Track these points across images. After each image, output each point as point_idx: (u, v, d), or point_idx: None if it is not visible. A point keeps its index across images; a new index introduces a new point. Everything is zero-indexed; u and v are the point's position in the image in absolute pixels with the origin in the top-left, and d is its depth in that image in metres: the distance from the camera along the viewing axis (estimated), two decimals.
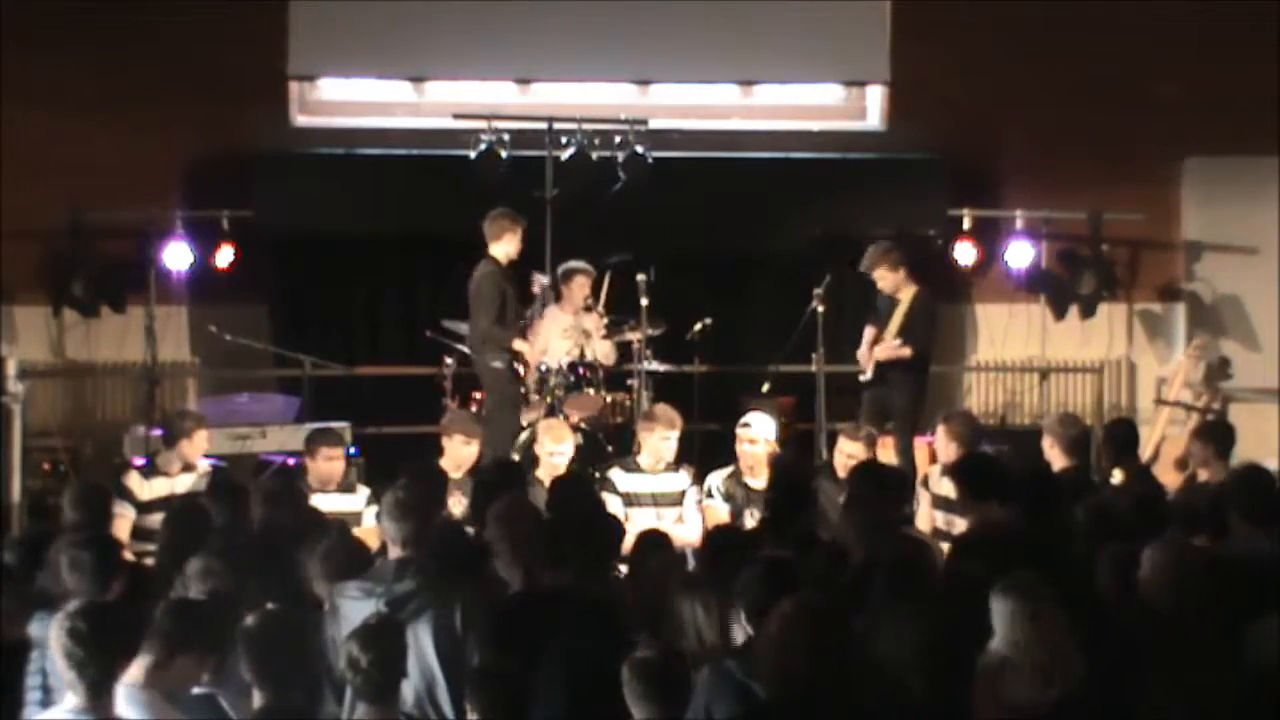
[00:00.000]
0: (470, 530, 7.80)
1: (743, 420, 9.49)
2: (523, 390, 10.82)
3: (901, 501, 7.99)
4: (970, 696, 5.48)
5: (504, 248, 10.84)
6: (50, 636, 4.75)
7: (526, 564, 6.44)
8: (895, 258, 10.90)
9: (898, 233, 12.47)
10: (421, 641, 5.71)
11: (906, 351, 10.71)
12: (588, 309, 11.41)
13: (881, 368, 10.76)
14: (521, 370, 10.80)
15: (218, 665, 5.28)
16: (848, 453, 9.24)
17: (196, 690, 5.26)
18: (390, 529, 6.11)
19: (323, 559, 6.20)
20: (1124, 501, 7.66)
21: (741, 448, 9.39)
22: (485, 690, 5.10)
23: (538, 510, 7.26)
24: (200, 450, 9.39)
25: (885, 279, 10.91)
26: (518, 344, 10.78)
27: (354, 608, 5.74)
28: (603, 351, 11.35)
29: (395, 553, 6.08)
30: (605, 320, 11.47)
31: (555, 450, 9.39)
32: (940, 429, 9.31)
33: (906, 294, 10.87)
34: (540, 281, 11.22)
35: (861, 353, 10.91)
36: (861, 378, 10.92)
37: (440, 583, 6.02)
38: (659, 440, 9.38)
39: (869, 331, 10.96)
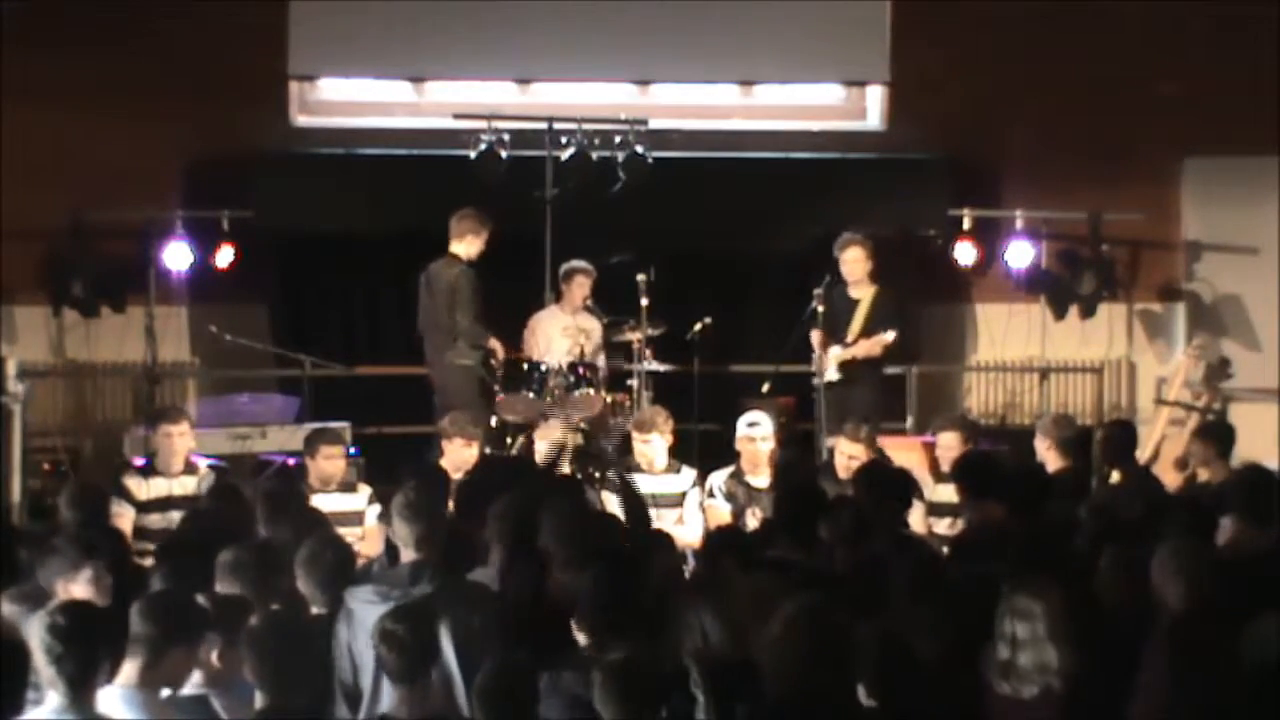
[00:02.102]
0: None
1: (750, 419, 9.47)
2: (495, 387, 10.80)
3: (904, 502, 7.97)
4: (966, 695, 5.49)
5: (465, 248, 10.89)
6: (30, 634, 4.75)
7: (525, 563, 6.43)
8: (872, 247, 10.95)
9: (898, 233, 12.51)
10: (441, 644, 5.70)
11: (879, 351, 10.77)
12: (587, 309, 11.42)
13: (845, 367, 10.82)
14: (494, 367, 10.79)
15: (226, 658, 5.26)
16: (849, 454, 9.24)
17: (188, 692, 5.26)
18: (401, 530, 6.08)
19: (306, 564, 6.18)
20: (1125, 501, 7.67)
21: (752, 446, 9.36)
22: (494, 692, 5.10)
23: (537, 510, 7.23)
24: (187, 443, 9.36)
25: (858, 265, 10.95)
26: (494, 344, 10.79)
27: (370, 612, 5.70)
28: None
29: (407, 555, 6.05)
30: (605, 321, 11.47)
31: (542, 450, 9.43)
32: (947, 434, 9.37)
33: (867, 294, 10.96)
34: None
35: (820, 358, 10.95)
36: (817, 380, 10.97)
37: (458, 585, 6.01)
38: (639, 443, 9.42)
39: (818, 335, 11.00)
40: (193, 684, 5.29)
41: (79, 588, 5.90)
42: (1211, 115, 13.06)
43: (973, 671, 5.60)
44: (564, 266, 11.39)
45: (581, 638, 5.62)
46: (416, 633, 5.16)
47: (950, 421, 9.93)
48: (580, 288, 11.33)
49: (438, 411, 10.80)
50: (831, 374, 10.92)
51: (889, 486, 7.81)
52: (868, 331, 10.91)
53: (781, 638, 5.03)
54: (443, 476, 8.54)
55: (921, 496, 8.82)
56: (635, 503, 8.72)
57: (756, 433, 9.40)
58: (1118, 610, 6.05)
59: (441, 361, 10.90)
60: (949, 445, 9.40)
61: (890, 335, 10.79)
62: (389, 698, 5.22)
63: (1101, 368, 13.47)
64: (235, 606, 5.55)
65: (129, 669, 5.02)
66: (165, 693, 5.18)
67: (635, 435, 9.50)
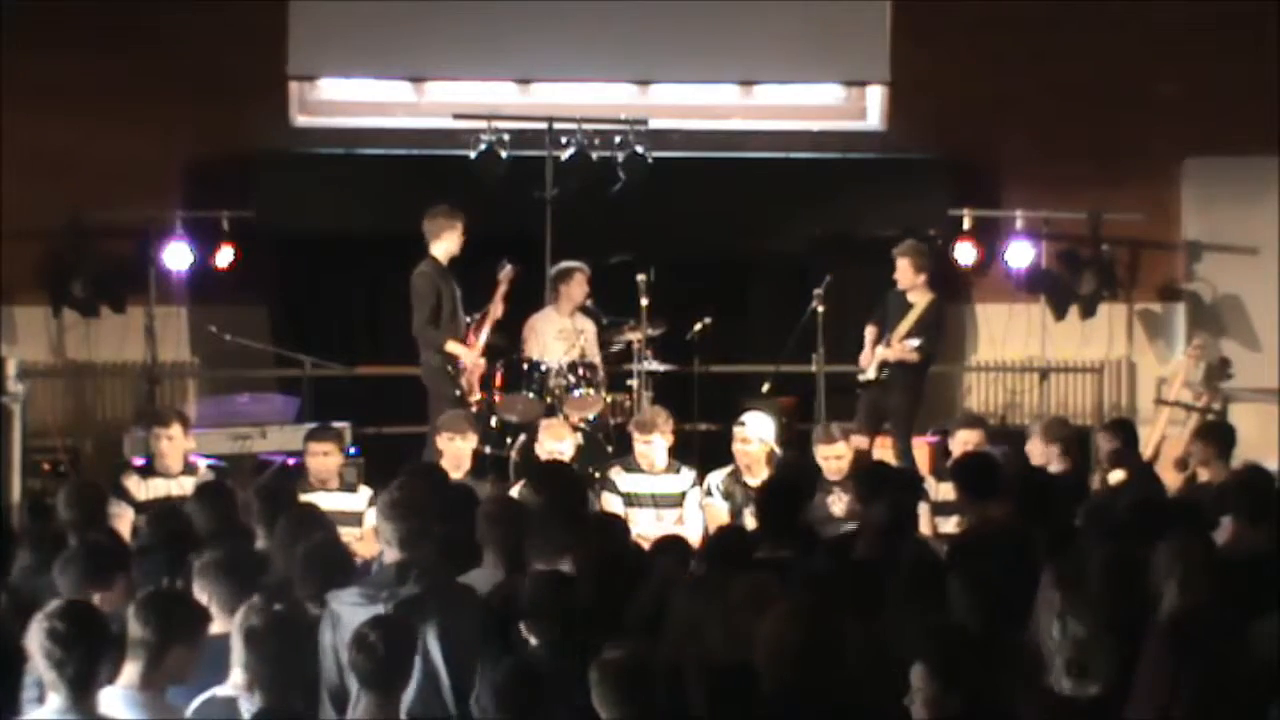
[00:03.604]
0: None
1: (739, 420, 9.51)
2: (458, 392, 10.78)
3: (915, 502, 7.98)
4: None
5: (444, 246, 10.85)
6: (29, 637, 4.74)
7: (515, 563, 6.43)
8: (922, 261, 10.88)
9: (898, 233, 12.48)
10: (428, 645, 5.69)
11: (915, 356, 10.70)
12: (585, 310, 11.41)
13: (883, 368, 10.76)
14: (454, 371, 10.78)
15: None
16: (828, 455, 9.27)
17: (222, 692, 5.27)
18: (385, 530, 6.06)
19: (304, 564, 6.17)
20: (1123, 502, 7.67)
21: (737, 447, 9.42)
22: (512, 688, 5.09)
23: (526, 508, 7.23)
24: (180, 445, 9.35)
25: (905, 274, 10.87)
26: (451, 346, 10.75)
27: (355, 615, 5.68)
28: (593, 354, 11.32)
29: (392, 555, 6.03)
30: (604, 322, 11.47)
31: (556, 449, 9.42)
32: (969, 432, 9.40)
33: (921, 299, 10.86)
34: (505, 269, 11.08)
35: (865, 354, 10.89)
36: (862, 377, 10.91)
37: (445, 587, 6.00)
38: (640, 444, 9.43)
39: (870, 331, 10.96)
40: (233, 685, 5.30)
41: (113, 597, 5.90)
42: (1211, 115, 13.06)
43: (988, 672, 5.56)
44: (557, 268, 11.35)
45: (532, 639, 5.64)
46: (391, 642, 5.14)
47: (970, 420, 9.97)
48: (578, 286, 11.28)
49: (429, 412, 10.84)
50: (871, 373, 10.90)
51: (894, 486, 7.81)
52: (915, 333, 10.85)
53: (772, 638, 5.02)
54: (437, 476, 8.50)
55: (927, 496, 8.83)
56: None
57: (741, 433, 9.43)
58: (1117, 610, 6.03)
59: (422, 359, 10.93)
60: (974, 443, 9.42)
61: (914, 343, 10.72)
62: (360, 703, 5.20)
63: (1101, 368, 13.47)
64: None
65: (130, 670, 5.03)
66: (206, 695, 5.22)
67: (637, 436, 9.51)
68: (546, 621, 5.61)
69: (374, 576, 6.05)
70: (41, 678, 4.80)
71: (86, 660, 4.70)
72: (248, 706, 5.26)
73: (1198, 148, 13.33)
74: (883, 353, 10.78)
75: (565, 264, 11.35)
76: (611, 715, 4.95)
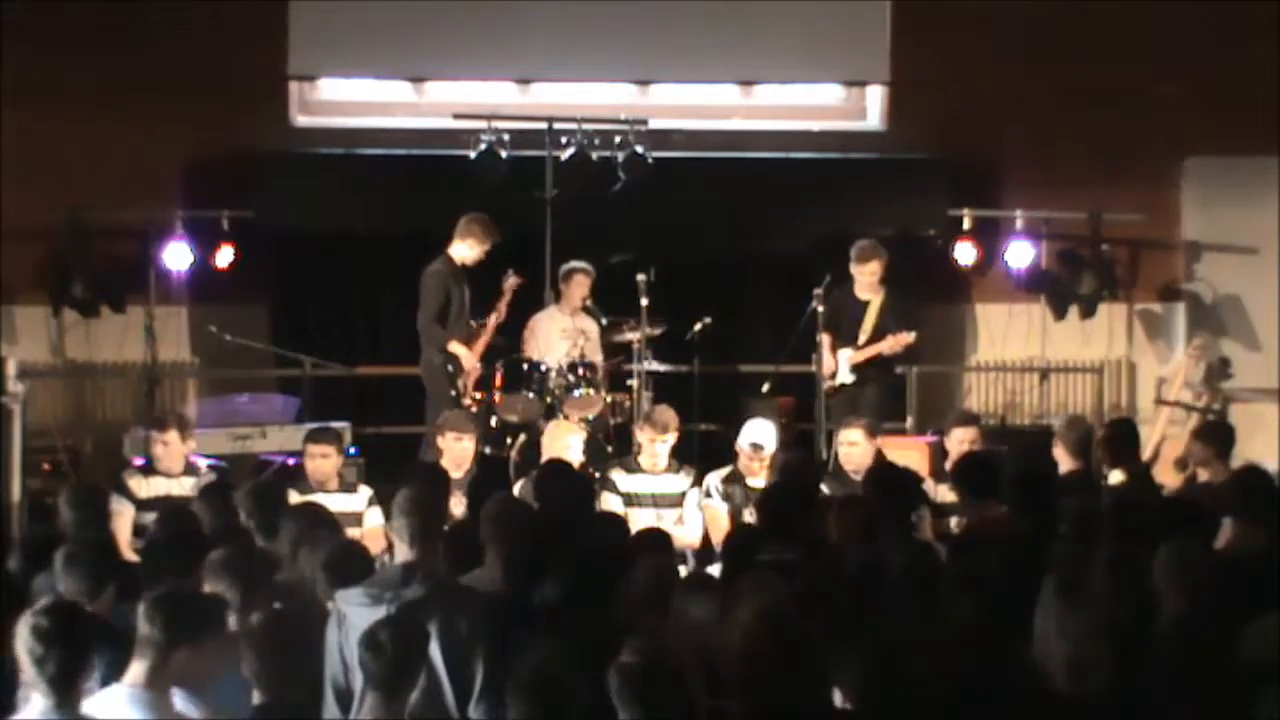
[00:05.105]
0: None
1: (753, 441, 9.36)
2: (454, 394, 10.80)
3: (910, 503, 7.97)
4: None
5: (462, 250, 10.92)
6: (15, 636, 4.73)
7: (517, 563, 6.42)
8: (885, 255, 11.02)
9: (898, 233, 12.51)
10: (429, 648, 5.69)
11: (911, 337, 10.79)
12: (586, 310, 11.42)
13: (859, 368, 10.89)
14: (453, 371, 10.80)
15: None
16: (849, 440, 9.30)
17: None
18: (398, 525, 6.07)
19: (324, 565, 6.17)
20: (1122, 502, 7.66)
21: (749, 464, 9.33)
22: (534, 690, 5.10)
23: (530, 509, 7.23)
24: (178, 449, 9.34)
25: (875, 274, 11.01)
26: (454, 346, 10.81)
27: (361, 615, 5.68)
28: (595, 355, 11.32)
29: (403, 551, 6.03)
30: (604, 322, 11.48)
31: (566, 448, 9.42)
32: (964, 429, 9.42)
33: (876, 298, 11.02)
34: (510, 279, 11.13)
35: (827, 361, 11.00)
36: (829, 384, 11.03)
37: (449, 588, 6.00)
38: (647, 443, 9.42)
39: (826, 337, 11.05)
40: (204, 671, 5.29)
41: (101, 605, 5.90)
42: (1211, 115, 13.06)
43: (988, 671, 5.56)
44: (564, 267, 11.40)
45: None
46: (401, 643, 5.14)
47: (965, 418, 9.99)
48: (580, 288, 11.33)
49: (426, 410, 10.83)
50: (845, 376, 10.95)
51: (896, 488, 7.81)
52: (880, 332, 10.94)
53: (743, 648, 5.03)
54: (441, 475, 8.50)
55: (929, 499, 8.82)
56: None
57: (751, 452, 9.32)
58: (1118, 611, 6.03)
59: (423, 356, 10.97)
60: (969, 440, 9.44)
61: (912, 335, 10.84)
62: (365, 703, 5.21)
63: (1101, 368, 13.47)
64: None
65: (136, 668, 5.02)
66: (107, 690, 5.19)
67: (653, 435, 9.45)
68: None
69: (379, 576, 6.06)
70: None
71: (69, 659, 4.68)
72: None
73: (1198, 148, 13.33)
74: (867, 350, 10.94)
75: (569, 264, 11.38)
76: (630, 716, 4.96)
